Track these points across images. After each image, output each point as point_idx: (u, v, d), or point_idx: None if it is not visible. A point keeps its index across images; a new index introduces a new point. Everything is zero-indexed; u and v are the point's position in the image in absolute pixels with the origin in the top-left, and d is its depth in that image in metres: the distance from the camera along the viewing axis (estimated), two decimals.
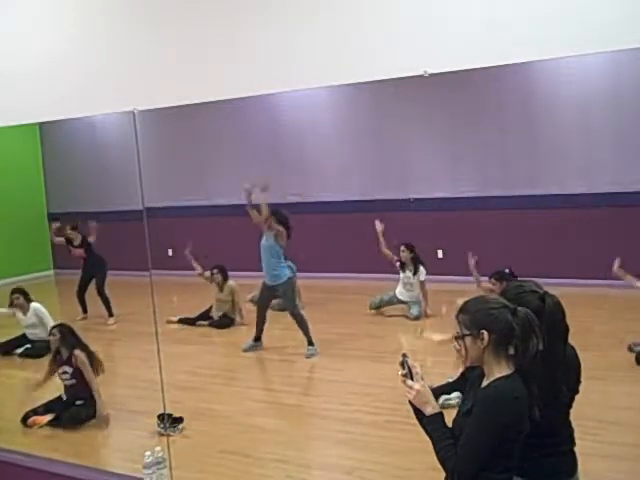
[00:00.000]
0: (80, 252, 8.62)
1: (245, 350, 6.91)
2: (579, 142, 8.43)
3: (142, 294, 4.95)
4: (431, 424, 2.22)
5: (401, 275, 7.92)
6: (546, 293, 2.46)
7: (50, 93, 4.48)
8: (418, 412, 2.26)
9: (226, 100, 3.99)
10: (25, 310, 7.38)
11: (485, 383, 2.22)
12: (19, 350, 7.38)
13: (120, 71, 4.22)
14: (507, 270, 6.53)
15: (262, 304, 6.98)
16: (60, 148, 11.71)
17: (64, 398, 5.45)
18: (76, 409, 5.31)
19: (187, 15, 4.01)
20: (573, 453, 2.57)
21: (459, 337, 2.25)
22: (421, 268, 7.82)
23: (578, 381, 2.55)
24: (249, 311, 7.83)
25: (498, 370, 2.20)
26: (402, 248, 7.90)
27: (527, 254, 7.90)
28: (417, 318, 7.64)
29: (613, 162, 8.29)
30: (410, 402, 2.27)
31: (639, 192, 8.00)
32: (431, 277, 7.96)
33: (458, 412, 2.31)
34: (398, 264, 7.91)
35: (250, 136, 10.27)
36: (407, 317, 7.74)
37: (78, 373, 5.39)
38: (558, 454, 2.51)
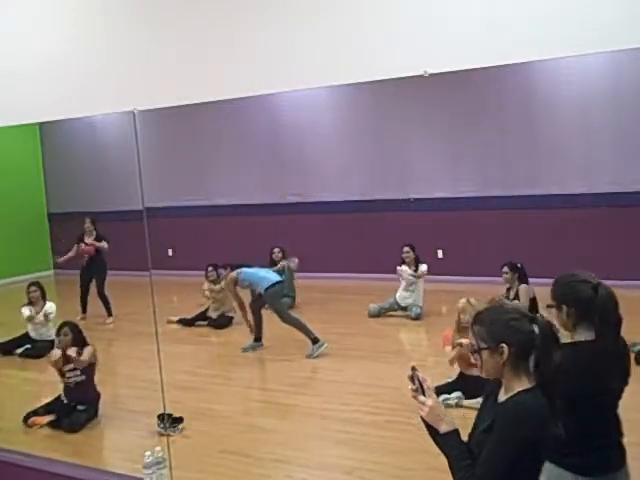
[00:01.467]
0: (90, 249, 8.59)
1: (244, 350, 6.91)
2: (579, 142, 8.43)
3: (142, 294, 4.94)
4: (446, 442, 2.08)
5: (404, 276, 7.91)
6: (599, 284, 2.44)
7: (50, 93, 4.48)
8: (430, 428, 2.12)
9: (226, 100, 3.99)
10: (39, 306, 7.39)
11: (504, 397, 2.09)
12: (19, 350, 7.38)
13: (120, 71, 4.22)
14: (519, 265, 6.58)
15: (255, 305, 7.00)
16: (60, 148, 11.71)
17: (65, 401, 5.44)
18: (77, 414, 5.30)
19: (187, 15, 4.01)
20: (621, 445, 2.55)
21: (475, 351, 2.11)
22: (421, 265, 7.87)
23: (628, 373, 2.55)
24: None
25: (518, 384, 2.06)
26: (406, 249, 7.91)
27: (527, 254, 7.88)
28: (418, 318, 7.64)
29: (613, 162, 8.29)
30: (422, 418, 2.13)
31: (639, 192, 8.00)
32: (431, 277, 7.97)
33: (474, 427, 2.18)
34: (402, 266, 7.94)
35: (250, 136, 10.28)
36: (407, 317, 7.74)
37: (89, 370, 5.40)
38: (607, 447, 2.49)
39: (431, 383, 2.14)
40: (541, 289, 6.42)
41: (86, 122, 10.04)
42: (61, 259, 8.93)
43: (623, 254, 7.91)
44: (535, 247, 8.23)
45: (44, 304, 7.40)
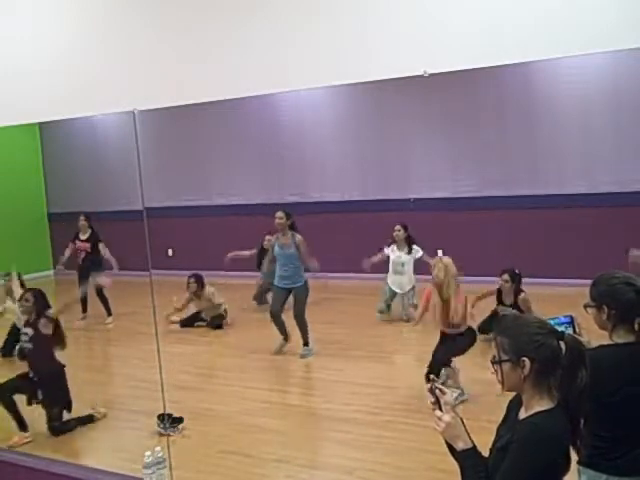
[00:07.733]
0: (86, 246, 8.54)
1: (276, 352, 6.75)
2: (579, 142, 8.43)
3: (142, 294, 4.94)
4: (463, 460, 2.01)
5: (392, 257, 7.74)
6: None
7: (50, 93, 4.48)
8: (449, 443, 2.06)
9: (226, 100, 3.99)
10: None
11: (523, 415, 2.02)
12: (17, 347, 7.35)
13: (120, 71, 4.23)
14: (516, 271, 6.51)
15: (277, 311, 6.78)
16: (60, 148, 11.72)
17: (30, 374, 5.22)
18: (36, 390, 5.11)
19: (187, 15, 4.01)
20: None
21: (496, 362, 2.03)
22: (415, 246, 7.71)
23: None
24: (252, 311, 7.86)
25: (538, 402, 1.98)
26: (397, 227, 7.77)
27: (527, 254, 7.89)
28: (415, 308, 7.39)
29: (613, 162, 8.29)
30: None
31: (639, 192, 8.00)
32: (431, 277, 7.93)
33: (494, 444, 2.10)
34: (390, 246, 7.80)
35: (250, 136, 10.28)
36: (406, 317, 7.69)
37: (38, 339, 5.16)
38: None
39: (450, 397, 2.08)
40: (541, 288, 6.43)
41: (86, 122, 10.05)
42: (60, 264, 8.90)
43: (623, 254, 7.91)
44: (535, 247, 8.23)
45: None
